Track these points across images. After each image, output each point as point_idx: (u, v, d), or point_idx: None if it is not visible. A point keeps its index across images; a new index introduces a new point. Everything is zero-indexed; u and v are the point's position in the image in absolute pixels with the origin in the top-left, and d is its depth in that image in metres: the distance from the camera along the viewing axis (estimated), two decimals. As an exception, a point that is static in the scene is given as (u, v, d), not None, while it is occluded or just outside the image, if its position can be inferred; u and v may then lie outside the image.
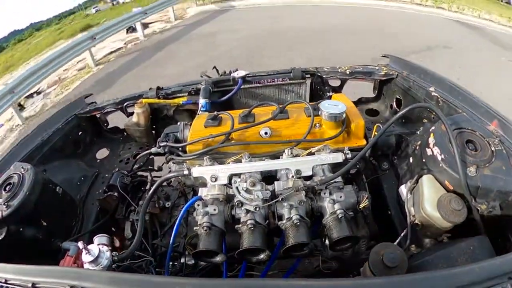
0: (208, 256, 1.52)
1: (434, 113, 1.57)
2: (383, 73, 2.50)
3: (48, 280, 1.03)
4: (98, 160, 2.54)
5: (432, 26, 12.44)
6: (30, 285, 1.01)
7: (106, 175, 2.27)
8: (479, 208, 1.28)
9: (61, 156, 2.31)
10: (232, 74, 2.68)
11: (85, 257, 1.33)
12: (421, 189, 1.38)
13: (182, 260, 1.73)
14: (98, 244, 1.42)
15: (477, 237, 1.23)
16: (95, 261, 1.34)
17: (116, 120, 2.87)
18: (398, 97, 2.44)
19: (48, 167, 2.14)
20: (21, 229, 1.60)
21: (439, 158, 1.40)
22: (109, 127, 2.80)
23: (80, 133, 2.54)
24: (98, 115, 2.65)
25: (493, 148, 1.40)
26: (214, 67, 3.03)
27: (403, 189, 1.58)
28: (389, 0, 15.68)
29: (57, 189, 1.81)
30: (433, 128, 1.52)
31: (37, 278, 1.04)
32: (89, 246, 1.36)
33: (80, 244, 1.33)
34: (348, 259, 1.74)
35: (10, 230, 1.59)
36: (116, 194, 1.96)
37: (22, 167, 1.71)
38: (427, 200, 1.32)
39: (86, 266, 1.34)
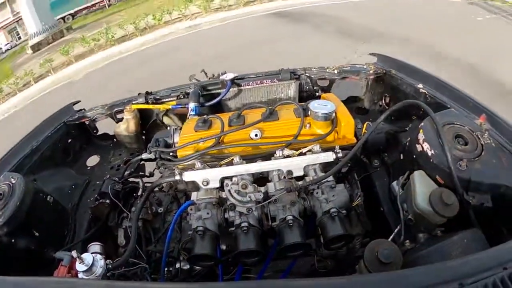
0: (203, 260, 1.52)
1: (422, 109, 1.58)
2: (371, 71, 2.52)
3: None
4: (89, 168, 2.52)
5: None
6: None
7: (97, 182, 2.25)
8: (471, 201, 1.30)
9: (51, 165, 2.27)
10: (221, 77, 2.68)
11: (79, 266, 1.31)
12: (413, 184, 1.39)
13: (177, 265, 1.72)
14: (91, 253, 1.41)
15: (470, 229, 1.24)
16: (89, 270, 1.32)
17: (105, 126, 2.84)
18: (386, 95, 2.46)
19: (38, 176, 2.11)
20: (13, 240, 1.57)
21: (429, 153, 1.41)
22: (98, 133, 2.77)
23: (69, 140, 2.51)
24: (87, 122, 2.62)
25: (482, 142, 1.41)
26: (203, 70, 3.02)
27: (395, 186, 1.59)
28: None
29: (48, 198, 1.79)
30: (422, 124, 1.53)
31: None
32: (83, 255, 1.34)
33: (74, 253, 1.31)
34: (343, 257, 1.75)
35: (2, 242, 1.56)
36: (108, 201, 1.94)
37: (12, 177, 1.68)
38: (419, 195, 1.33)
39: (80, 275, 1.32)
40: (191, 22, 14.28)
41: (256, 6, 14.92)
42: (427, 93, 1.99)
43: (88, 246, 1.56)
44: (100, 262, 1.38)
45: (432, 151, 1.40)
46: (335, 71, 2.59)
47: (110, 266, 1.41)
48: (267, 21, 12.72)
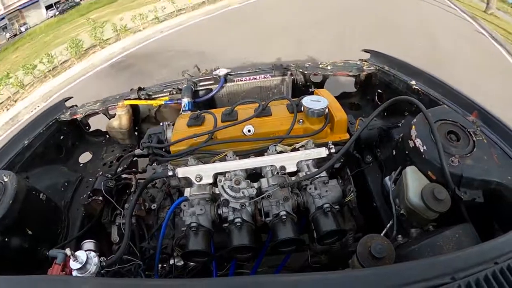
0: (197, 256, 1.52)
1: (415, 105, 1.59)
2: (364, 67, 2.53)
3: None
4: (81, 164, 2.49)
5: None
6: None
7: (90, 179, 2.23)
8: (462, 197, 1.31)
9: (43, 162, 2.25)
10: (213, 72, 2.68)
11: (73, 264, 1.30)
12: (405, 180, 1.40)
13: (171, 261, 1.72)
14: (85, 250, 1.40)
15: (462, 224, 1.25)
16: (83, 267, 1.31)
17: (98, 122, 2.82)
18: (379, 91, 2.47)
19: (30, 174, 2.09)
20: (6, 239, 1.55)
21: (422, 149, 1.42)
22: (91, 130, 2.75)
23: (61, 137, 2.48)
24: (79, 119, 2.60)
25: (474, 138, 1.43)
26: (196, 66, 3.01)
27: (387, 181, 1.60)
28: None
29: (41, 196, 1.76)
30: (414, 120, 1.54)
31: None
32: (77, 253, 1.33)
33: (67, 251, 1.30)
34: (336, 252, 1.76)
35: None
36: (101, 198, 1.93)
37: (4, 175, 1.65)
38: (411, 190, 1.34)
39: (74, 273, 1.32)
40: (8, 112, 9.40)
41: (92, 57, 11.38)
42: (420, 89, 2.01)
43: (82, 243, 1.56)
44: (94, 259, 1.37)
45: (425, 147, 1.41)
46: (329, 67, 2.59)
47: (104, 264, 1.41)
48: (94, 88, 8.76)
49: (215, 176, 1.65)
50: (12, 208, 1.55)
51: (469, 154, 1.38)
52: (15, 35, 24.62)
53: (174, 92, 2.62)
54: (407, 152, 1.54)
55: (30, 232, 1.64)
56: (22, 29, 25.65)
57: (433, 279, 0.88)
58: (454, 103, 1.79)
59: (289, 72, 2.65)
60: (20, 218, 1.58)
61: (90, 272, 1.34)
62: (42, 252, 1.68)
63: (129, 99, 2.59)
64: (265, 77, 2.63)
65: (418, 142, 1.44)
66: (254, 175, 1.74)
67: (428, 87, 1.99)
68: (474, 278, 0.87)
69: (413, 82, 2.08)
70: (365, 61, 2.60)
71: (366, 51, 2.73)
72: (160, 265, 1.68)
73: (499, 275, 0.87)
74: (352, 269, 1.26)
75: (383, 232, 1.39)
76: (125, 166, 2.24)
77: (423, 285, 0.87)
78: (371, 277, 0.94)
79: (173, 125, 2.01)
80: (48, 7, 28.47)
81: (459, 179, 1.31)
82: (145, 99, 2.62)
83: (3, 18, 24.44)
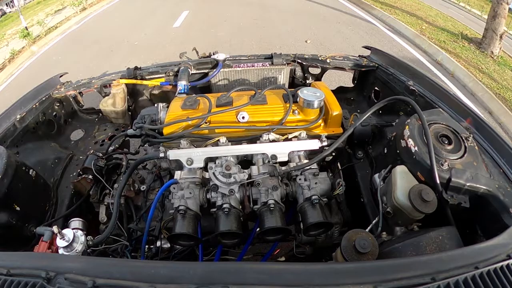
0: (183, 240, 1.53)
1: (411, 106, 1.60)
2: (363, 64, 2.52)
3: (23, 266, 1.00)
4: (73, 142, 2.46)
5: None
6: (5, 271, 0.98)
7: (81, 157, 2.21)
8: (449, 200, 1.32)
9: (34, 138, 2.22)
10: (212, 57, 2.65)
11: (60, 242, 1.31)
12: (394, 178, 1.41)
13: (158, 244, 1.73)
14: (72, 229, 1.40)
15: (446, 227, 1.26)
16: (69, 246, 1.32)
17: (92, 100, 2.78)
18: (376, 88, 2.47)
19: (21, 149, 2.06)
20: None
21: (413, 150, 1.43)
22: (84, 107, 2.72)
23: (54, 113, 2.45)
24: (73, 95, 2.57)
25: (465, 144, 1.43)
26: (194, 49, 2.98)
27: (377, 178, 1.61)
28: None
29: (30, 172, 1.75)
30: (408, 120, 1.54)
31: (12, 264, 1.01)
32: (64, 231, 1.33)
33: (55, 229, 1.30)
34: (321, 244, 1.78)
35: None
36: (90, 177, 1.92)
37: None
38: (399, 189, 1.35)
39: (60, 251, 1.32)
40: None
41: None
42: (416, 90, 2.01)
43: (69, 221, 1.56)
44: (81, 238, 1.38)
45: (416, 148, 1.42)
46: (328, 60, 2.58)
47: (90, 243, 1.42)
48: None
49: (206, 160, 1.65)
50: (2, 183, 1.54)
51: (459, 159, 1.38)
52: None
53: (171, 74, 2.60)
54: (398, 151, 1.54)
55: (18, 208, 1.63)
56: None
57: (413, 278, 0.89)
58: (449, 107, 1.80)
59: (287, 62, 2.64)
60: (8, 193, 1.57)
61: (76, 250, 1.35)
62: (29, 229, 1.67)
63: (125, 78, 2.56)
64: (263, 65, 2.61)
65: (410, 142, 1.45)
66: (245, 162, 1.75)
67: (425, 89, 1.99)
68: (454, 280, 0.88)
69: (411, 83, 2.07)
70: (365, 57, 2.60)
71: (366, 47, 2.72)
72: (146, 247, 1.69)
73: (478, 280, 0.89)
74: (335, 262, 1.28)
75: (368, 228, 1.41)
76: (116, 145, 2.23)
77: (403, 283, 0.88)
78: (354, 271, 0.95)
79: (168, 107, 2.00)
80: None
81: (447, 183, 1.32)
82: (141, 79, 2.60)
83: None
